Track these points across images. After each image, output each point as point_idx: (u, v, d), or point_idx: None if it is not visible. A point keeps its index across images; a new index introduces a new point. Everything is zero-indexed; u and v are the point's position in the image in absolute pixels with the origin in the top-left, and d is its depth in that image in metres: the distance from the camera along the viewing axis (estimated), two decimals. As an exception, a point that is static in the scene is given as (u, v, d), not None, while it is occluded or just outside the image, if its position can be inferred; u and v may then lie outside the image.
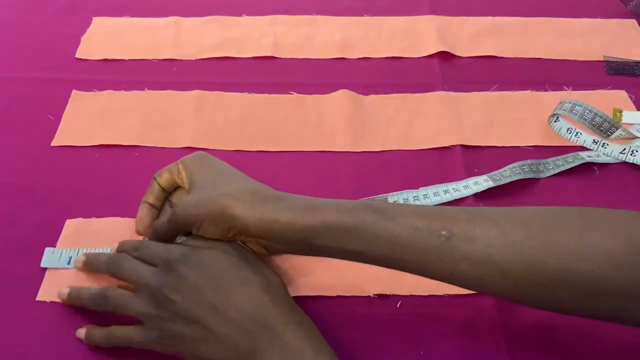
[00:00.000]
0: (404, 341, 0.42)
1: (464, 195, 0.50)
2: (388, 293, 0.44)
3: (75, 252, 0.46)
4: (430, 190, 0.51)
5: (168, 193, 0.48)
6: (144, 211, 0.46)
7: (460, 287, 0.39)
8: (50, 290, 0.44)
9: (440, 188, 0.51)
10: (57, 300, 0.43)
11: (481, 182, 0.51)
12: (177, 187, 0.48)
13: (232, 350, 0.37)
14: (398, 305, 0.44)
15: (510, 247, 0.35)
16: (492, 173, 0.51)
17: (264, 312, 0.37)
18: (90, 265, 0.44)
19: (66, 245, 0.47)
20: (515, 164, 0.52)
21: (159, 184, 0.47)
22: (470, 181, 0.51)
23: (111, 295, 0.41)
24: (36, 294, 0.44)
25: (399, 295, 0.44)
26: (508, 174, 0.51)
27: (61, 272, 0.45)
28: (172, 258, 0.40)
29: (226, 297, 0.38)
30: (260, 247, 0.41)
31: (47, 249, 0.46)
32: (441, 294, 0.44)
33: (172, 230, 0.43)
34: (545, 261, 0.35)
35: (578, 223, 0.36)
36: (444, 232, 0.37)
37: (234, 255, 0.41)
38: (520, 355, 0.41)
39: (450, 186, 0.51)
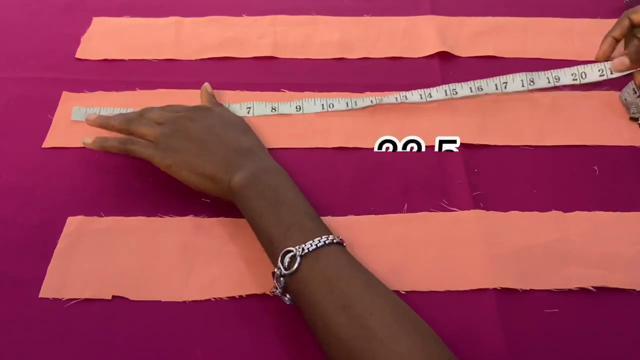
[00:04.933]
0: (404, 341, 0.42)
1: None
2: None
3: (97, 111, 0.57)
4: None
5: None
6: (606, 44, 0.56)
7: None
8: (53, 287, 0.44)
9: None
10: (59, 296, 0.44)
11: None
12: None
13: (223, 164, 0.47)
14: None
15: None
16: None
17: (251, 145, 0.50)
18: (105, 120, 0.53)
19: (68, 242, 0.47)
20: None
21: (630, 20, 0.54)
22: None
23: (136, 120, 0.52)
24: (37, 294, 0.44)
25: (400, 292, 0.44)
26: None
27: (64, 268, 0.45)
28: (187, 107, 0.53)
29: (227, 131, 0.51)
30: None
31: (74, 108, 0.57)
32: (442, 290, 0.44)
33: None
34: None
35: None
36: None
37: (236, 116, 0.55)
38: (520, 354, 0.41)
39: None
